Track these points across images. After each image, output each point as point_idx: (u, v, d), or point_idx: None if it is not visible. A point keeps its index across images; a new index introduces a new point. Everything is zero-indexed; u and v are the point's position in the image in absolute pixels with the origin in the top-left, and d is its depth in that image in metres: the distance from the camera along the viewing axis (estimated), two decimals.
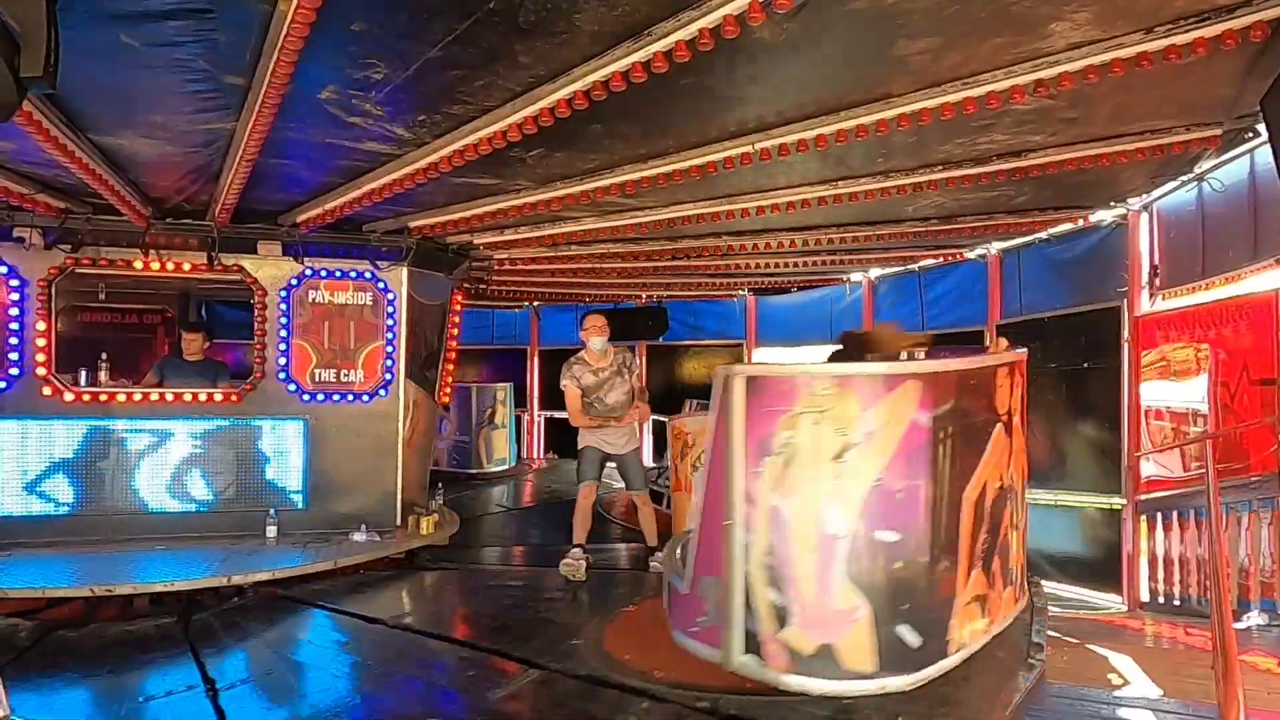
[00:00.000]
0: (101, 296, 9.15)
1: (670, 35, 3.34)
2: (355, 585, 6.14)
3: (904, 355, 4.35)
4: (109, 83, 3.91)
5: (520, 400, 14.92)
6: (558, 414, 14.70)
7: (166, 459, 6.61)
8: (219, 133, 4.53)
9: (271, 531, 6.61)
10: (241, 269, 6.77)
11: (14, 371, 6.28)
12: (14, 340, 6.27)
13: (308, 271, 6.91)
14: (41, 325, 6.31)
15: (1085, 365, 7.71)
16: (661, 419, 9.51)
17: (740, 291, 12.50)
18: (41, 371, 6.32)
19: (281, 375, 6.86)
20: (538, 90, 3.92)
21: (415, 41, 3.47)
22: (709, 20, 3.22)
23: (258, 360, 6.86)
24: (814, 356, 12.08)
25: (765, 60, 3.77)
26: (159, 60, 3.57)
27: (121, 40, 3.37)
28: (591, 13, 3.24)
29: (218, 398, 6.76)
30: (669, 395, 12.92)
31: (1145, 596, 6.88)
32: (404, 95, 4.03)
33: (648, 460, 10.80)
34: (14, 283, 6.26)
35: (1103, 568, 7.41)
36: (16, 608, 5.40)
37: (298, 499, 6.89)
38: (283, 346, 6.87)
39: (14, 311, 6.27)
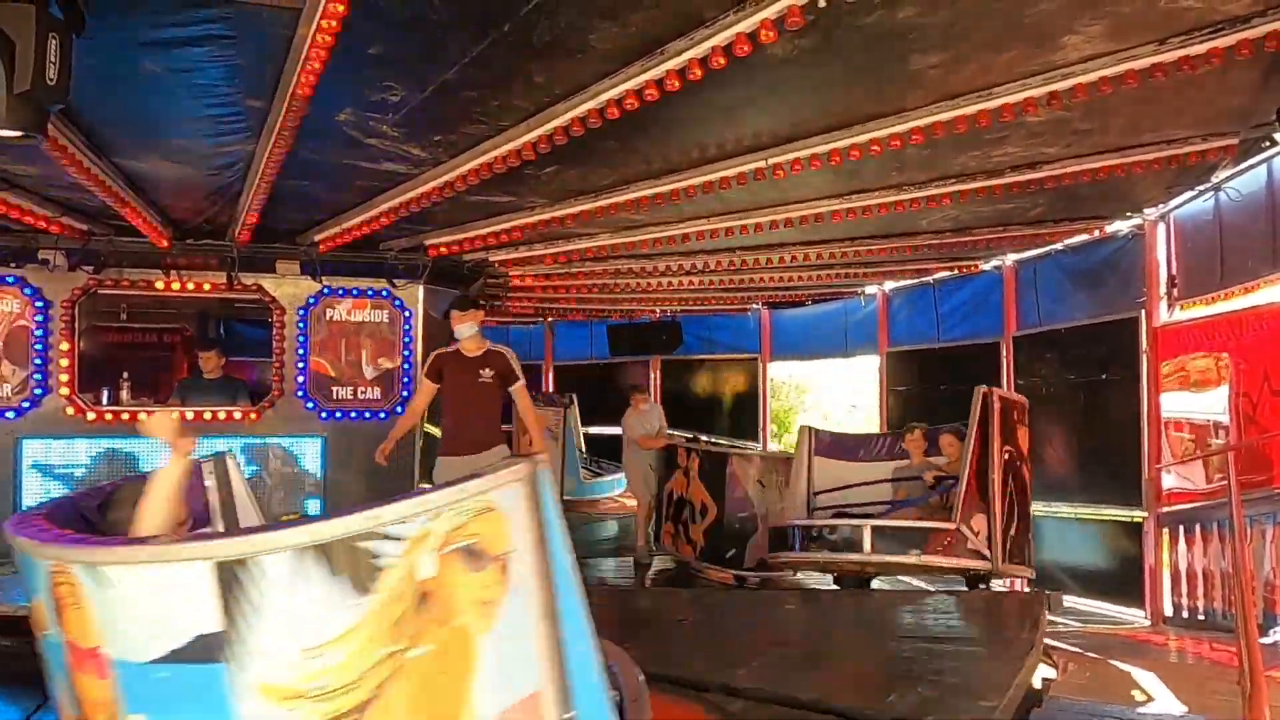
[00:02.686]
0: (123, 317, 9.25)
1: (683, 54, 3.37)
2: None
3: None
4: (132, 108, 3.99)
5: None
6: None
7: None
8: (239, 155, 4.60)
9: None
10: (260, 288, 6.84)
11: (38, 391, 6.36)
12: (38, 360, 6.36)
13: (325, 290, 6.97)
14: (64, 345, 6.39)
15: (1104, 377, 7.64)
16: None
17: (754, 305, 12.50)
18: (65, 391, 6.40)
19: (300, 393, 6.91)
20: (552, 109, 3.96)
21: (431, 64, 3.52)
22: (721, 38, 3.25)
23: (276, 378, 6.91)
24: (828, 370, 12.06)
25: (778, 77, 3.80)
26: (181, 85, 3.64)
27: (145, 67, 3.44)
28: (605, 32, 3.28)
29: (237, 416, 6.81)
30: (682, 409, 12.91)
31: (1168, 611, 6.78)
32: (420, 116, 4.09)
33: None
34: (38, 304, 6.36)
35: (1124, 582, 7.31)
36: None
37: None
38: (301, 364, 6.92)
39: (38, 332, 6.36)
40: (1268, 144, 5.08)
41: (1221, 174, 5.91)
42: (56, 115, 3.63)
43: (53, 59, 2.59)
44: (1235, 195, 6.06)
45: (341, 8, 2.90)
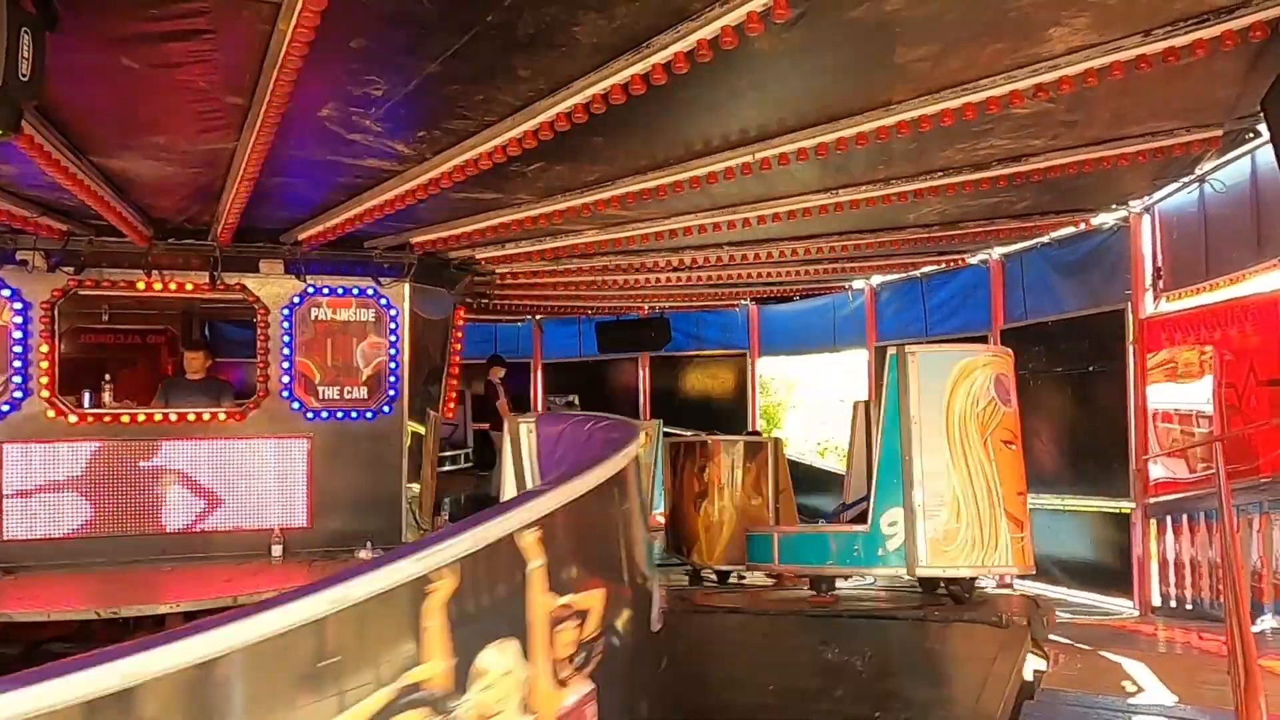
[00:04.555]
0: (104, 318, 9.15)
1: (669, 47, 3.34)
2: None
3: None
4: (110, 105, 3.93)
5: (523, 413, 14.89)
6: None
7: (171, 479, 6.59)
8: (220, 152, 4.54)
9: (276, 550, 6.58)
10: (244, 288, 6.77)
11: (18, 394, 6.26)
12: (17, 363, 6.26)
13: (310, 289, 6.91)
14: (45, 347, 6.30)
15: (1090, 369, 7.68)
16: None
17: (742, 301, 12.50)
18: (45, 394, 6.31)
19: (285, 393, 6.85)
20: (537, 104, 3.93)
21: (414, 58, 3.48)
22: (707, 32, 3.23)
23: (261, 379, 6.84)
24: (817, 365, 12.08)
25: (764, 70, 3.77)
26: (160, 82, 3.58)
27: (122, 63, 3.38)
28: (590, 26, 3.25)
29: (221, 417, 6.74)
30: (671, 406, 12.90)
31: (1157, 601, 6.82)
32: (404, 111, 4.04)
33: None
34: (17, 305, 6.26)
35: (1113, 572, 7.35)
36: (19, 634, 5.34)
37: (302, 517, 6.86)
38: (286, 364, 6.86)
39: (17, 334, 6.26)
40: (1252, 135, 5.10)
41: (1206, 166, 5.94)
42: (31, 112, 3.57)
43: (25, 55, 2.54)
44: (1220, 187, 6.09)
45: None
